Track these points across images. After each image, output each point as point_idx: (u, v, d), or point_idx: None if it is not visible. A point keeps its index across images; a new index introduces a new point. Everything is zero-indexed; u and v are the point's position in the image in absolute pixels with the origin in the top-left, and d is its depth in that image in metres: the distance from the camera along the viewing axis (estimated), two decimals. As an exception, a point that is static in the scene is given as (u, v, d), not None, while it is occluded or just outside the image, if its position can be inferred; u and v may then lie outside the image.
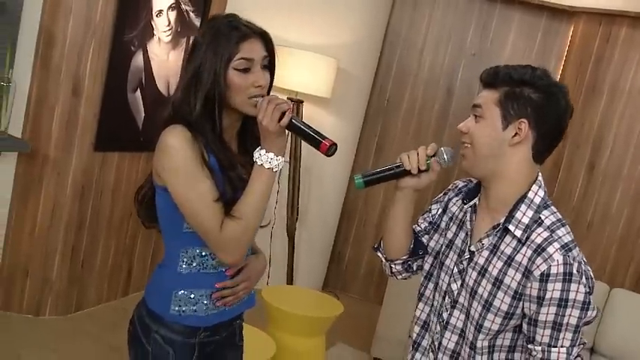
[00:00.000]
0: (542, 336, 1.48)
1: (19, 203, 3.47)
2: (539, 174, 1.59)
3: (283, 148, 1.58)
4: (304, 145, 4.39)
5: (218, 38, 1.57)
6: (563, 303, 1.45)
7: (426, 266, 1.76)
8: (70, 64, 3.37)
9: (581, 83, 4.46)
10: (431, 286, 1.74)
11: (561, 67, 4.52)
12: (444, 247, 1.71)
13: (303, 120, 1.60)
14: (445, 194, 1.80)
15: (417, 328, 1.75)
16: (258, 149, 1.57)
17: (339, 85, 4.42)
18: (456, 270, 1.64)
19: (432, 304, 1.71)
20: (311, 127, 1.58)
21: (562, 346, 1.47)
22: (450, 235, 1.70)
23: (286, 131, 1.57)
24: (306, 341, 3.25)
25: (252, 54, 1.58)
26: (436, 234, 1.76)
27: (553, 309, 1.45)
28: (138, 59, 3.70)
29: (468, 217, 1.65)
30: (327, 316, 3.31)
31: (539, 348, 1.49)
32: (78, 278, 3.74)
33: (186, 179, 1.54)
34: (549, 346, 1.48)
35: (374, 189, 5.05)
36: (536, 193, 1.55)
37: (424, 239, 1.78)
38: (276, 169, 1.57)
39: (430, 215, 1.79)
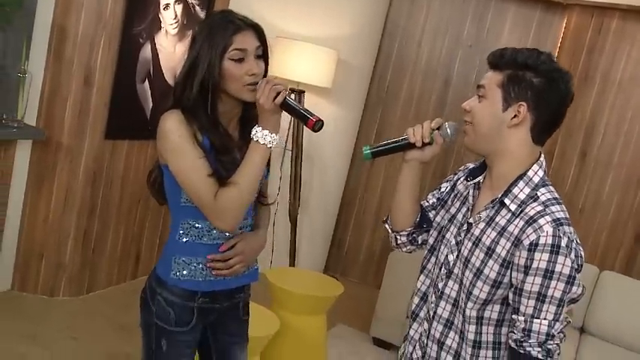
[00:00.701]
0: (526, 307, 1.52)
1: (34, 189, 3.63)
2: (542, 154, 1.65)
3: (277, 126, 1.73)
4: (306, 134, 4.56)
5: (214, 32, 1.73)
6: (548, 274, 1.48)
7: (431, 240, 1.82)
8: (82, 56, 3.52)
9: (574, 73, 4.58)
10: (433, 259, 1.80)
11: (555, 58, 4.65)
12: (446, 221, 1.78)
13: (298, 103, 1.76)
14: (455, 174, 1.87)
15: (416, 299, 1.82)
16: (255, 127, 1.73)
17: (340, 75, 4.56)
18: (453, 242, 1.71)
19: (433, 277, 1.78)
20: (302, 107, 1.75)
21: (544, 319, 1.50)
22: (453, 210, 1.77)
23: (281, 110, 1.72)
24: (308, 319, 3.40)
25: (246, 45, 1.73)
26: (442, 210, 1.82)
27: (538, 279, 1.49)
28: (146, 51, 3.84)
29: (470, 193, 1.72)
30: (328, 295, 3.47)
31: (523, 318, 1.52)
32: (89, 262, 3.90)
33: (182, 156, 1.71)
34: (532, 317, 1.51)
35: (373, 177, 5.21)
36: (535, 173, 1.61)
37: (431, 214, 1.85)
38: (270, 144, 1.72)
39: (439, 192, 1.87)
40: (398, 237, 1.89)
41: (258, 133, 1.71)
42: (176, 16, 3.98)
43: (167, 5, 3.89)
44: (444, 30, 5.02)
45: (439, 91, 5.05)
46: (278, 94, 1.69)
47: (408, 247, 1.92)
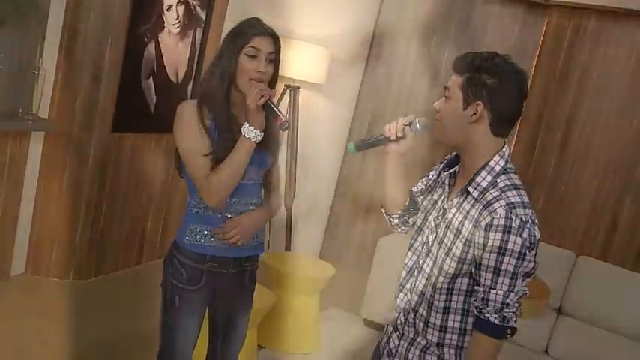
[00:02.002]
0: (485, 279, 1.76)
1: (46, 178, 3.88)
2: (505, 147, 1.87)
3: (262, 124, 2.04)
4: (300, 129, 4.81)
5: (239, 32, 2.08)
6: (501, 251, 1.71)
7: (418, 222, 2.05)
8: (91, 54, 3.77)
9: (555, 71, 4.86)
10: (420, 238, 2.02)
11: (536, 56, 4.92)
12: (430, 205, 2.01)
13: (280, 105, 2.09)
14: (442, 162, 2.09)
15: (404, 273, 2.05)
16: (244, 123, 2.04)
17: (333, 72, 4.82)
18: (433, 224, 1.94)
19: (418, 254, 2.02)
20: (278, 109, 2.05)
21: (500, 289, 1.74)
22: (435, 196, 2.00)
23: (264, 110, 2.03)
24: (303, 299, 3.67)
25: (260, 46, 2.06)
26: (429, 195, 2.05)
27: (493, 255, 1.72)
28: (150, 49, 4.09)
29: (447, 182, 1.97)
30: (320, 276, 3.73)
31: (482, 289, 1.76)
32: (97, 247, 4.15)
33: (185, 137, 2.05)
34: (490, 288, 1.75)
35: (366, 168, 5.47)
36: (497, 163, 1.83)
37: (419, 199, 2.09)
38: (254, 139, 2.03)
39: (427, 179, 2.11)
40: (391, 219, 2.15)
41: (246, 129, 2.03)
42: (178, 16, 4.23)
43: (170, 6, 4.14)
44: (433, 29, 5.27)
45: (428, 87, 5.30)
46: (262, 97, 2.00)
47: (402, 228, 2.18)
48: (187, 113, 2.05)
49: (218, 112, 2.05)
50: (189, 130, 2.03)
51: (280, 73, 2.20)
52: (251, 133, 2.02)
